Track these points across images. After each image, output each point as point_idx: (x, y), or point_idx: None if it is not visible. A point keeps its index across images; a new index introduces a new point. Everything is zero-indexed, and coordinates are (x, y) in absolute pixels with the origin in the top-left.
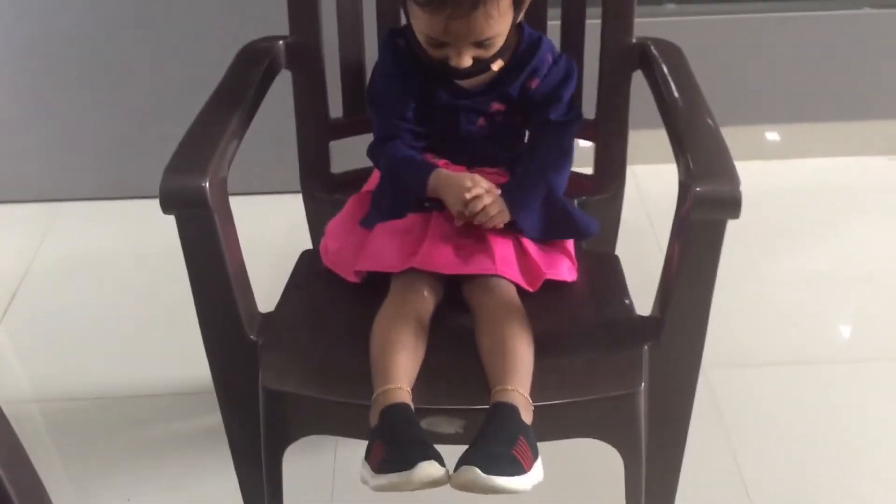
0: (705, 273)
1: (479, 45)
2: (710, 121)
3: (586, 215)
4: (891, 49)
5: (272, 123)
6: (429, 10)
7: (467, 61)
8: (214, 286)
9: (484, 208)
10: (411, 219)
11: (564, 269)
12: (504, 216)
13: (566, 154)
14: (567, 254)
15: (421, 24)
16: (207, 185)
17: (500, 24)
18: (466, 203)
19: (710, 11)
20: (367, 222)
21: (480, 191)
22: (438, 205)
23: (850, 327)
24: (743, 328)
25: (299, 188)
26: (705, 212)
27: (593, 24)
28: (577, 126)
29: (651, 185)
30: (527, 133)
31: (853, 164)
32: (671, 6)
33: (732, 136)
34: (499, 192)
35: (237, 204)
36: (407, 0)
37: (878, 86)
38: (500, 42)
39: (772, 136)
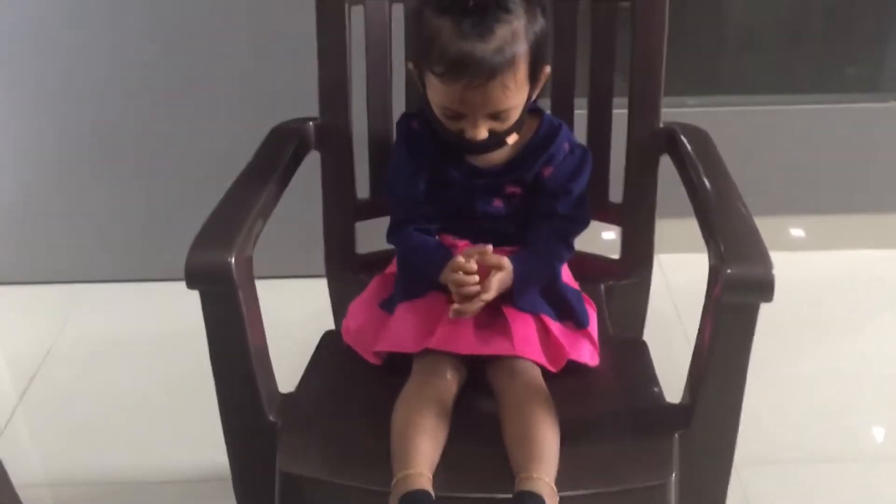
0: (738, 358)
1: (495, 117)
2: (740, 204)
3: (584, 308)
4: None
5: (299, 206)
6: (446, 79)
7: (483, 133)
8: (235, 364)
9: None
10: (432, 299)
11: (586, 353)
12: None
13: (569, 248)
14: (589, 338)
15: (437, 94)
16: (233, 260)
17: (516, 97)
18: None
19: (734, 103)
20: (387, 306)
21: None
22: None
23: (884, 425)
24: (774, 425)
25: (323, 271)
26: (737, 295)
27: (619, 114)
28: (582, 227)
29: (677, 275)
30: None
31: (884, 257)
32: (693, 100)
33: (759, 226)
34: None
35: (262, 287)
36: (424, 72)
37: None
38: (515, 115)
39: (798, 227)
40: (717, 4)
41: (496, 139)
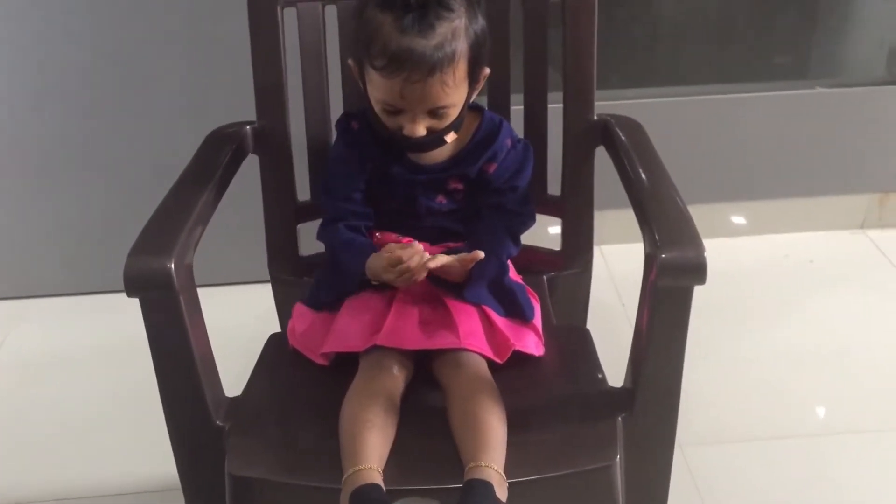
0: (675, 341)
1: (434, 114)
2: (673, 192)
3: (529, 301)
4: (843, 126)
5: (239, 212)
6: (386, 73)
7: (421, 130)
8: (180, 370)
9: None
10: (375, 297)
11: (532, 343)
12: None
13: (517, 244)
14: (534, 329)
15: (377, 89)
16: (173, 266)
17: (454, 94)
18: (393, 266)
19: (667, 94)
20: (313, 304)
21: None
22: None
23: (823, 401)
24: (717, 406)
25: (267, 277)
26: (672, 279)
27: (555, 109)
28: (530, 222)
29: (619, 264)
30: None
31: (816, 239)
32: (626, 92)
33: (694, 214)
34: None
35: (205, 295)
36: (364, 66)
37: (833, 162)
38: (454, 114)
39: (733, 212)
40: None
41: (435, 137)
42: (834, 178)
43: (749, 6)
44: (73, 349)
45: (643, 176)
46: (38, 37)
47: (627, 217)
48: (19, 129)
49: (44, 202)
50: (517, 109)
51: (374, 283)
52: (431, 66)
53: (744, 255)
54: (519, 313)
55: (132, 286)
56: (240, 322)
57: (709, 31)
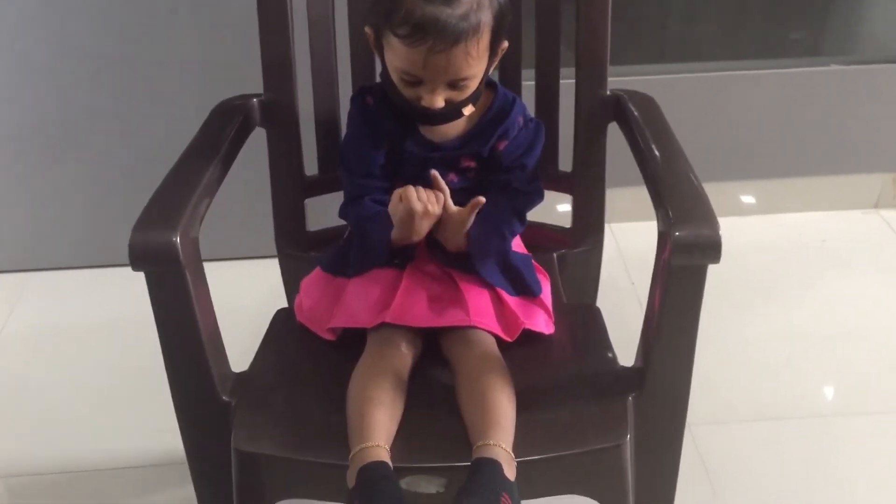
0: (687, 320)
1: (454, 85)
2: (687, 168)
3: (535, 277)
4: (858, 104)
5: (246, 186)
6: (409, 42)
7: (440, 101)
8: (186, 345)
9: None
10: (385, 273)
11: (541, 321)
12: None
13: (522, 222)
14: (543, 307)
15: (398, 58)
16: (178, 239)
17: (476, 65)
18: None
19: (680, 70)
20: (331, 269)
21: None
22: (408, 260)
23: (833, 382)
24: (726, 385)
25: (275, 251)
26: (685, 257)
27: (567, 84)
28: (537, 200)
29: (630, 242)
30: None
31: (828, 219)
32: (638, 68)
33: (708, 192)
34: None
35: (212, 269)
36: (384, 35)
37: (847, 141)
38: (473, 86)
39: (745, 191)
40: None
41: (453, 109)
42: (847, 156)
43: None
44: (80, 323)
45: (657, 152)
46: (41, 4)
47: (637, 194)
48: (23, 101)
49: (48, 174)
50: (528, 85)
51: (395, 261)
52: (456, 36)
53: (755, 234)
54: (525, 289)
55: (137, 259)
56: (246, 297)
57: (722, 6)
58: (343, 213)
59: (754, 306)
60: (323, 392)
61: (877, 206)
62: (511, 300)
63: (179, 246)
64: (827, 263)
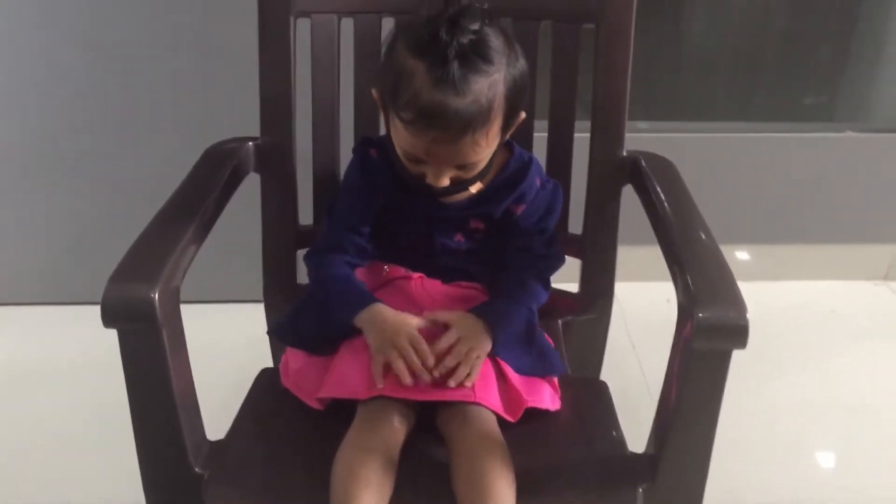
0: (708, 408)
1: (461, 167)
2: (710, 241)
3: (558, 354)
4: (871, 172)
5: (233, 228)
6: (413, 128)
7: (445, 182)
8: (158, 410)
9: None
10: None
11: (546, 397)
12: (478, 363)
13: (546, 287)
14: (549, 381)
15: (401, 138)
16: (157, 296)
17: (486, 151)
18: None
19: (688, 129)
20: (279, 333)
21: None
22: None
23: (848, 461)
24: (731, 463)
25: (261, 297)
26: (709, 341)
27: (582, 138)
28: (559, 265)
29: (631, 304)
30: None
31: (837, 289)
32: (642, 124)
33: None
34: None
35: (190, 313)
36: (388, 110)
37: (858, 209)
38: (482, 165)
39: (751, 256)
40: (676, 29)
41: (459, 187)
42: (858, 225)
43: (780, 44)
44: (52, 360)
45: (678, 221)
46: (32, 34)
47: (637, 253)
48: (4, 136)
49: (28, 207)
50: (540, 136)
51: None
52: (464, 126)
53: (761, 301)
54: (547, 367)
55: (110, 316)
56: (227, 346)
57: (737, 68)
58: (309, 259)
59: (760, 377)
60: (306, 467)
61: (886, 277)
62: (514, 376)
63: (157, 303)
64: (837, 334)
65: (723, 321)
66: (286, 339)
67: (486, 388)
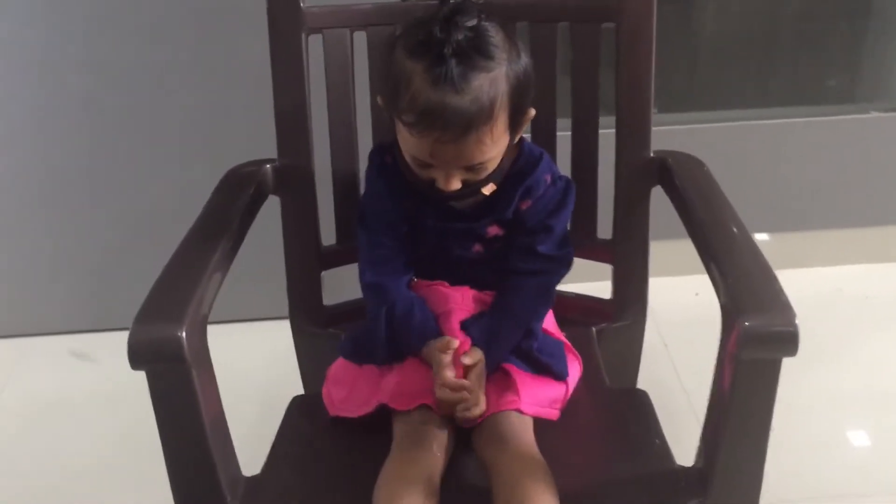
0: (759, 418)
1: (470, 168)
2: (751, 244)
3: (562, 360)
4: None
5: (254, 247)
6: (415, 130)
7: (455, 185)
8: (190, 448)
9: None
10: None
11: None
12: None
13: (549, 301)
14: (554, 387)
15: (407, 142)
16: (184, 335)
17: (492, 150)
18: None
19: (709, 119)
20: (357, 357)
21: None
22: None
23: (889, 453)
24: (771, 459)
25: (278, 314)
26: (757, 351)
27: (607, 134)
28: (565, 270)
29: (659, 300)
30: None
31: (870, 273)
32: (661, 117)
33: None
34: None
35: (215, 334)
36: (392, 113)
37: (890, 190)
38: (492, 166)
39: (781, 243)
40: (686, 17)
41: (471, 189)
42: (891, 206)
43: (799, 27)
44: (79, 391)
45: (714, 224)
46: (38, 57)
47: (663, 248)
48: (21, 162)
49: (49, 236)
50: (564, 135)
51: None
52: (466, 125)
53: (792, 290)
54: (548, 371)
55: (137, 358)
56: (255, 366)
57: (756, 53)
58: (364, 281)
59: (794, 369)
60: (346, 499)
61: None
62: (521, 378)
63: (185, 342)
64: (872, 321)
65: (770, 329)
66: (356, 360)
67: (514, 394)
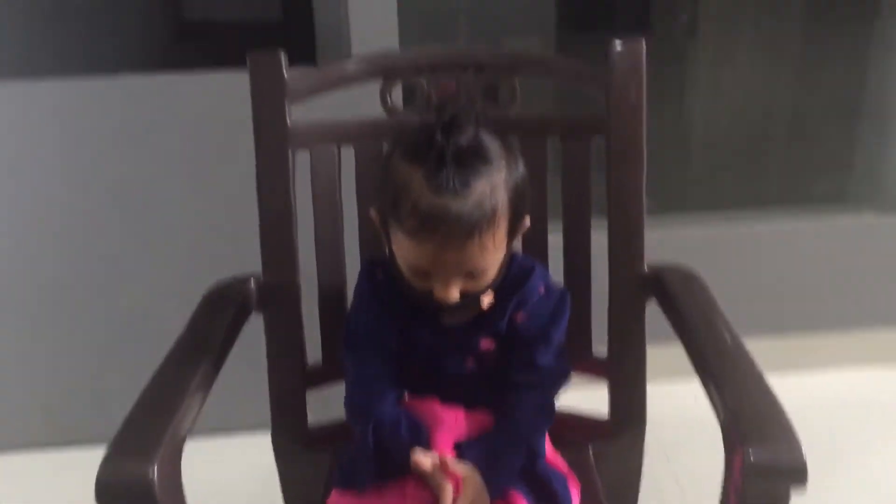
0: None
1: (470, 275)
2: (753, 367)
3: (566, 486)
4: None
5: (238, 358)
6: (417, 237)
7: (455, 294)
8: None
9: None
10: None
11: None
12: None
13: (550, 415)
14: None
15: (405, 252)
16: (156, 476)
17: (494, 256)
18: None
19: (698, 221)
20: (347, 485)
21: None
22: None
23: None
24: None
25: (255, 426)
26: (762, 483)
27: (598, 243)
28: (564, 381)
29: (656, 408)
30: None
31: (863, 377)
32: (656, 218)
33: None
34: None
35: (194, 448)
36: (389, 226)
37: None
38: (492, 274)
39: (787, 346)
40: (679, 120)
41: (469, 300)
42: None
43: (789, 129)
44: None
45: (713, 344)
46: (17, 173)
47: (663, 355)
48: (5, 271)
49: (26, 351)
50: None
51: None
52: (469, 230)
53: (798, 394)
54: (554, 500)
55: (104, 496)
56: (235, 484)
57: (746, 154)
58: (354, 412)
59: (816, 476)
60: None
61: None
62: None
63: (157, 482)
64: (879, 428)
65: (776, 462)
66: (354, 486)
67: None
